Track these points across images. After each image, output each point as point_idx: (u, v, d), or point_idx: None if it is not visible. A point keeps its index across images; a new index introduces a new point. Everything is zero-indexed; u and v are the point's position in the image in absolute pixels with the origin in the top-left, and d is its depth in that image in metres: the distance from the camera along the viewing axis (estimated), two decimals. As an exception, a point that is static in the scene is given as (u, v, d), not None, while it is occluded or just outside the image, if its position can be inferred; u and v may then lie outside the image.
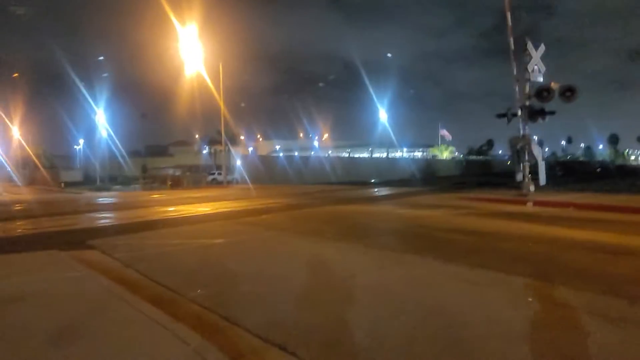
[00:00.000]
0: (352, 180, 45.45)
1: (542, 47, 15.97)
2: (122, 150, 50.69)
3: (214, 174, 50.52)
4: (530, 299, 4.88)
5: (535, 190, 16.07)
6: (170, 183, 38.37)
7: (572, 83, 15.12)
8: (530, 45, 15.83)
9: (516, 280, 5.54)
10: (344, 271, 6.28)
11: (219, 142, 61.66)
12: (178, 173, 48.27)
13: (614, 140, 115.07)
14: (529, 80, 16.07)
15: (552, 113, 15.86)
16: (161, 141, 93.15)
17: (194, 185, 39.84)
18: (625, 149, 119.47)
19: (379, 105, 68.30)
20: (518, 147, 16.01)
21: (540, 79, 15.97)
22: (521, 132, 16.13)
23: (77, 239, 9.28)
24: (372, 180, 46.15)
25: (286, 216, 13.11)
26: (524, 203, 14.74)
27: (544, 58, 16.30)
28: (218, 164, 60.16)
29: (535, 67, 15.80)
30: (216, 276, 6.18)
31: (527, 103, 16.04)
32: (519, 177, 16.20)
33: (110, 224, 12.54)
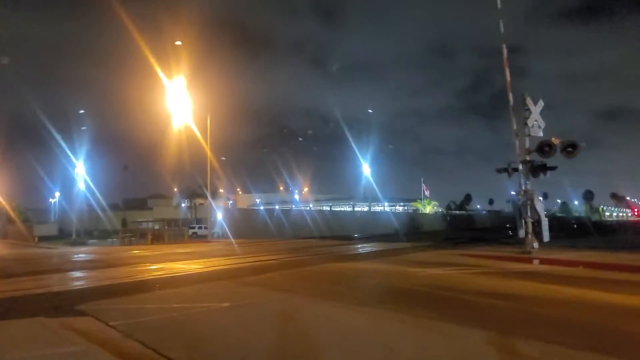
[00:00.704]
0: (335, 234, 44.62)
1: (541, 103, 15.96)
2: (100, 203, 49.22)
3: (194, 227, 49.30)
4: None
5: (538, 247, 15.60)
6: (150, 238, 37.06)
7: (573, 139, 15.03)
8: (529, 101, 15.81)
9: (582, 356, 4.89)
10: (378, 344, 5.54)
11: (199, 196, 60.68)
12: (157, 227, 46.94)
13: (589, 196, 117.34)
14: (529, 135, 15.95)
15: (553, 168, 15.67)
16: (139, 194, 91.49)
17: (174, 240, 38.60)
18: (600, 205, 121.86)
19: (360, 160, 68.49)
20: (520, 202, 15.66)
21: (540, 134, 15.87)
22: (522, 187, 15.84)
23: (65, 303, 8.34)
24: (356, 235, 45.33)
25: (288, 275, 12.28)
26: (530, 261, 14.23)
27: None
28: (198, 217, 58.92)
29: (535, 122, 15.73)
30: (232, 349, 5.37)
31: (528, 158, 15.85)
32: (522, 233, 15.77)
33: (98, 284, 11.51)
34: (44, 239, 44.25)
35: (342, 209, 77.97)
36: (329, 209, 75.65)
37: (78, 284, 11.94)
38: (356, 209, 77.69)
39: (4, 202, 49.33)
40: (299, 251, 21.58)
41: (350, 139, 65.42)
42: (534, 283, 10.16)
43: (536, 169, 15.73)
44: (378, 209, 77.65)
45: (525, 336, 5.59)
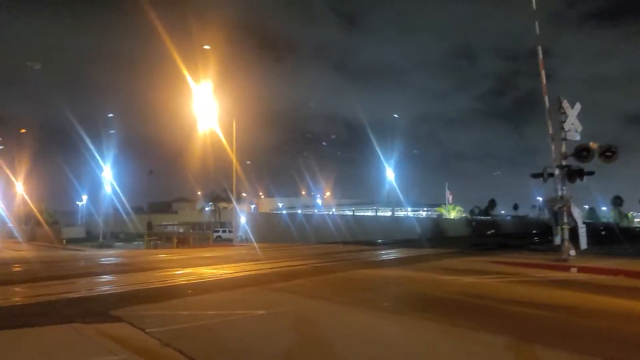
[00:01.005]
0: (358, 240, 44.11)
1: (578, 106, 15.51)
2: (126, 206, 49.88)
3: (218, 231, 49.55)
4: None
5: (575, 254, 15.13)
6: (176, 241, 37.34)
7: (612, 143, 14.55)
8: (565, 104, 15.37)
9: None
10: (419, 355, 5.36)
11: (223, 199, 61.06)
12: (182, 230, 47.33)
13: (617, 202, 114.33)
14: (565, 139, 15.51)
15: (591, 173, 15.21)
16: (164, 198, 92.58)
17: (199, 243, 38.79)
18: (629, 212, 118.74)
19: (384, 164, 67.99)
20: (556, 208, 15.22)
21: (578, 138, 15.42)
22: (559, 193, 15.38)
23: (97, 309, 8.29)
24: (379, 241, 44.82)
25: (317, 282, 12.10)
26: (567, 269, 13.80)
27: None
28: (222, 221, 59.24)
29: (572, 125, 15.28)
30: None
31: (564, 163, 15.40)
32: (558, 240, 15.32)
33: (129, 289, 11.49)
34: (71, 241, 44.97)
35: (365, 214, 77.53)
36: (351, 213, 75.30)
37: (109, 289, 11.97)
38: (379, 214, 77.23)
39: (32, 205, 50.33)
40: (324, 257, 21.39)
41: (373, 144, 65.00)
42: (573, 292, 9.82)
43: (573, 174, 15.27)
44: (401, 214, 77.03)
45: (569, 349, 5.36)
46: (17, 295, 10.78)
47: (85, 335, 6.30)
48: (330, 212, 71.12)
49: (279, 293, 10.07)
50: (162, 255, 25.79)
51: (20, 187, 52.78)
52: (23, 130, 50.25)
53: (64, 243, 42.88)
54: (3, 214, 53.42)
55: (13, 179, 50.95)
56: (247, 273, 14.71)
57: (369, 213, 78.68)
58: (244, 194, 68.70)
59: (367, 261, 19.63)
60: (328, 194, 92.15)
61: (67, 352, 5.51)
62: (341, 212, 73.37)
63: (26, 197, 51.99)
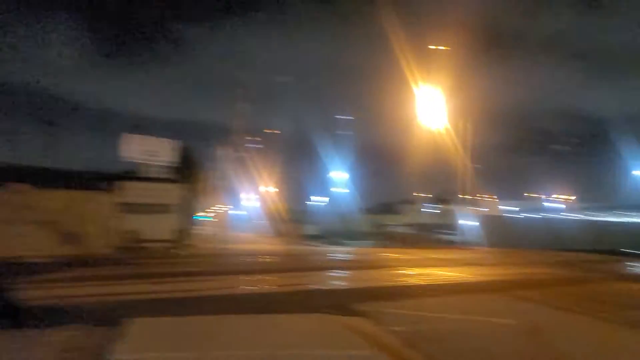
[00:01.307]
0: (603, 248, 38.44)
1: None
2: (355, 206, 52.82)
3: (442, 233, 48.80)
4: None
5: None
6: (402, 241, 37.99)
7: None
8: None
9: None
10: None
11: (446, 201, 60.22)
12: (407, 231, 47.87)
13: None
14: None
15: None
16: (389, 199, 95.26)
17: (424, 244, 38.70)
18: None
19: (632, 164, 58.38)
20: None
21: None
22: None
23: (338, 301, 8.62)
24: (633, 250, 38.40)
25: (566, 293, 10.69)
26: None
27: None
28: (446, 223, 58.30)
29: None
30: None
31: None
32: None
33: (365, 285, 11.85)
34: (308, 237, 49.24)
35: (610, 220, 67.66)
36: (594, 218, 66.53)
37: (346, 283, 12.57)
38: (632, 219, 66.64)
39: (280, 203, 56.95)
40: (566, 265, 19.08)
41: (618, 140, 56.38)
42: None
43: None
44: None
45: None
46: (268, 283, 12.07)
47: (331, 326, 6.56)
48: (568, 217, 64.05)
49: (520, 302, 9.15)
50: (389, 254, 26.31)
51: (271, 187, 60.21)
52: (277, 132, 57.36)
53: (303, 239, 47.20)
54: (259, 211, 61.70)
55: (266, 178, 58.50)
56: (481, 278, 13.91)
57: (613, 219, 68.40)
58: (470, 196, 66.48)
59: (623, 273, 16.89)
60: (564, 196, 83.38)
61: (318, 340, 5.77)
62: (581, 217, 65.43)
63: (276, 196, 59.01)
